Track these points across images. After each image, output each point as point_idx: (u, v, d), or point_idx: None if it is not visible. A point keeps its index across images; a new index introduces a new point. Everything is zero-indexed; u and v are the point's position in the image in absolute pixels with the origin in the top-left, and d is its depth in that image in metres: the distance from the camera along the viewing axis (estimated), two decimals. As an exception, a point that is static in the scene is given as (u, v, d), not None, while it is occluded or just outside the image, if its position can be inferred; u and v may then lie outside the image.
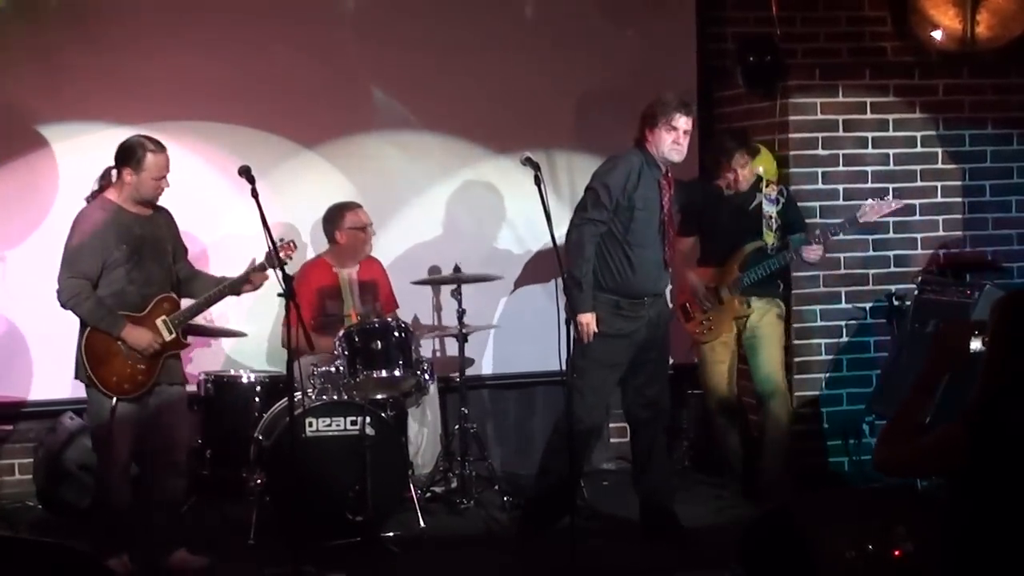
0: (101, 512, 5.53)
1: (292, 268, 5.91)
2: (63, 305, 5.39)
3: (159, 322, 5.41)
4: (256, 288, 5.66)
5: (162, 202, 5.57)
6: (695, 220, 6.68)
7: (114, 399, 5.35)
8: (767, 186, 6.54)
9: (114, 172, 5.44)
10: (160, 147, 5.42)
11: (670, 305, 6.28)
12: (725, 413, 6.77)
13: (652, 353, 5.96)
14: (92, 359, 5.37)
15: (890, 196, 6.53)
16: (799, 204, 6.73)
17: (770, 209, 6.48)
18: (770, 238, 6.46)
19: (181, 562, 5.55)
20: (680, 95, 5.91)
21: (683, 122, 5.77)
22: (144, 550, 5.54)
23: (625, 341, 5.86)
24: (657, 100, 5.82)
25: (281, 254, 5.56)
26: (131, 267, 5.37)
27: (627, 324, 5.84)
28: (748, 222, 6.52)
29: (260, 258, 5.59)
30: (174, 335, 5.44)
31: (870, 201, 6.49)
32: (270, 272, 5.56)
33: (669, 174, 5.91)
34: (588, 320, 5.74)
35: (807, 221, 6.69)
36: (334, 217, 6.72)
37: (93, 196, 5.49)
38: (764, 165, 6.77)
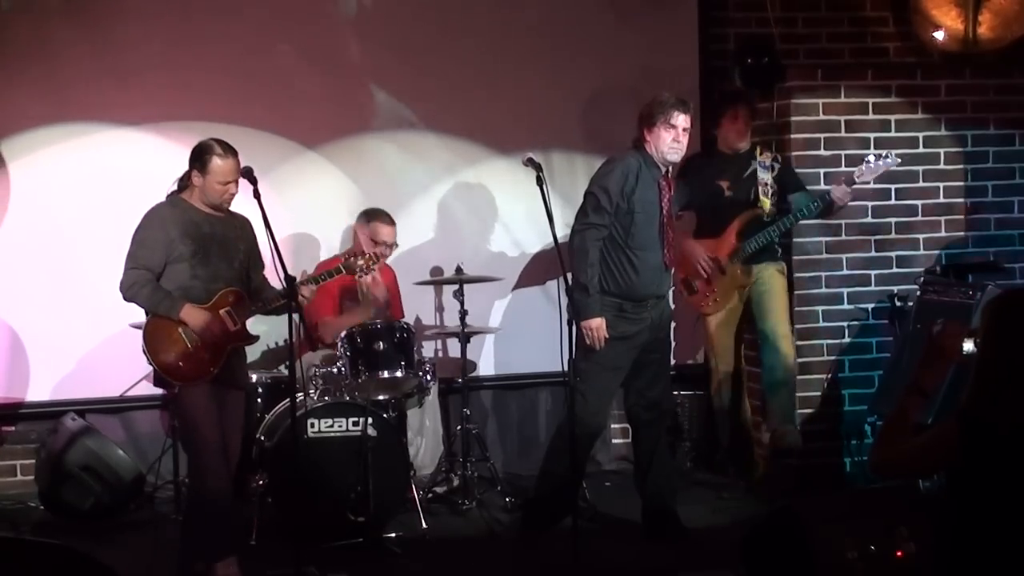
0: (199, 508, 5.35)
1: (309, 267, 5.89)
2: (124, 297, 5.34)
3: (223, 312, 5.34)
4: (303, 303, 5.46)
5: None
6: (686, 194, 6.59)
7: (188, 387, 5.29)
8: (761, 154, 6.57)
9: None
10: (228, 151, 5.32)
11: (672, 307, 6.28)
12: (731, 385, 6.82)
13: (654, 355, 5.96)
14: (154, 347, 5.29)
15: (884, 156, 6.47)
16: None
17: (765, 176, 6.52)
18: (767, 204, 6.48)
19: (235, 568, 5.40)
20: (678, 94, 5.90)
21: (681, 120, 5.76)
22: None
23: (628, 344, 5.85)
24: (654, 100, 5.81)
25: (360, 262, 5.67)
26: (196, 262, 5.32)
27: (630, 327, 5.84)
28: (743, 191, 6.55)
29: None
30: (239, 326, 5.39)
31: (866, 162, 6.45)
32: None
33: (669, 174, 5.91)
34: (598, 325, 5.73)
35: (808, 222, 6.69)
36: (369, 220, 6.68)
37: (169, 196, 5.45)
38: None
